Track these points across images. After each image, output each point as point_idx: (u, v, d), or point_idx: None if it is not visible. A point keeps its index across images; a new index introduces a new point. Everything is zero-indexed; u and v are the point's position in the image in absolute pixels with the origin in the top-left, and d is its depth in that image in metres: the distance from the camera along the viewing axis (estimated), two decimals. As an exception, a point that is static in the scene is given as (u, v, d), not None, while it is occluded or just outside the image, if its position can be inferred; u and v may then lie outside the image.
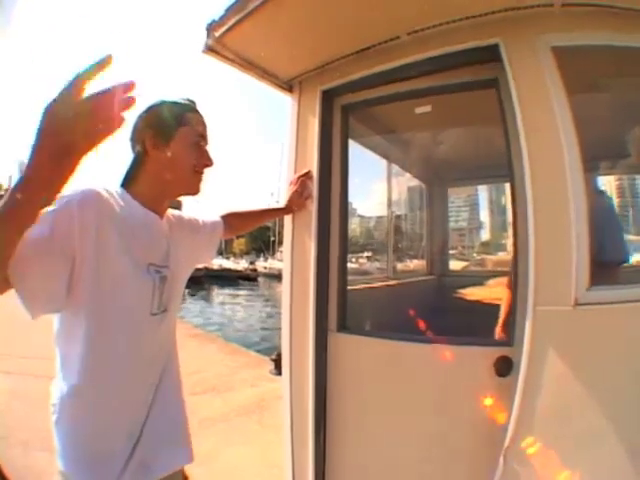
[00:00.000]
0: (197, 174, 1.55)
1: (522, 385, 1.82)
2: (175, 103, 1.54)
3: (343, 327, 2.61)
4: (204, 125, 1.59)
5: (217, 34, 2.26)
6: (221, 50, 2.39)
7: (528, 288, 1.86)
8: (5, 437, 3.92)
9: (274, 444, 3.53)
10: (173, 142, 1.48)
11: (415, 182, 5.21)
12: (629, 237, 5.87)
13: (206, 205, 1.73)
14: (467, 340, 2.19)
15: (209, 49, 2.37)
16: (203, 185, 1.58)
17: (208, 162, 1.57)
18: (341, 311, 2.62)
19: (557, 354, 1.77)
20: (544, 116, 1.90)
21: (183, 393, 1.68)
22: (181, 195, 1.62)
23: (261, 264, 67.75)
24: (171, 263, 1.55)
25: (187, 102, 1.57)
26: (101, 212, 1.29)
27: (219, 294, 35.89)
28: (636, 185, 6.35)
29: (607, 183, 5.54)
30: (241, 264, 63.54)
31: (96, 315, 1.30)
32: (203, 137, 1.57)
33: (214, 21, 2.24)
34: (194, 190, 1.58)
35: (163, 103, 1.52)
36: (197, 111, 1.58)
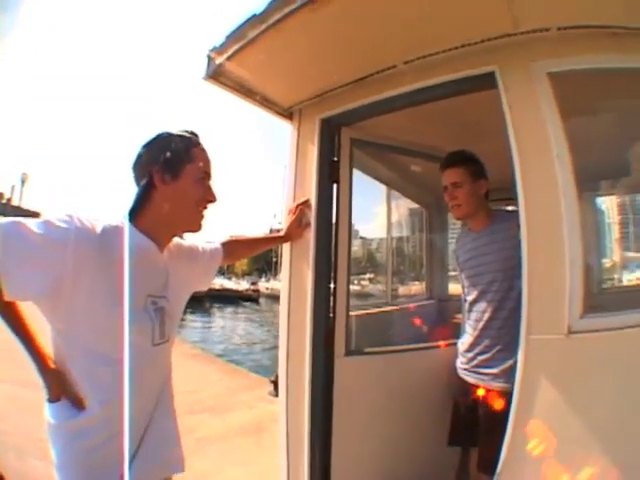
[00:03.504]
0: (200, 211, 1.61)
1: (515, 414, 1.83)
2: (181, 137, 1.57)
3: (349, 352, 2.71)
4: (209, 161, 1.62)
5: (217, 62, 2.30)
6: (221, 78, 2.44)
7: (521, 316, 1.88)
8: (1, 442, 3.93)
9: (271, 465, 3.51)
10: (179, 178, 1.52)
11: (416, 206, 5.22)
12: (629, 254, 5.91)
13: (210, 230, 1.76)
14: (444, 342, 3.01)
15: (210, 77, 2.41)
16: (204, 221, 1.64)
17: (212, 198, 1.61)
18: (348, 337, 2.72)
19: (550, 383, 1.77)
20: (538, 143, 1.92)
21: (175, 410, 1.70)
22: (183, 231, 1.69)
23: (263, 284, 67.59)
24: (169, 293, 1.60)
25: (192, 136, 1.61)
26: (98, 246, 1.33)
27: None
28: (636, 202, 6.38)
29: (608, 200, 5.60)
30: (242, 284, 63.31)
31: (95, 348, 1.37)
32: (208, 173, 1.61)
33: (214, 48, 2.28)
34: (196, 226, 1.63)
35: (169, 137, 1.56)
36: (202, 146, 1.62)
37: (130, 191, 1.56)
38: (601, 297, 4.58)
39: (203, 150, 1.61)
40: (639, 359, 1.71)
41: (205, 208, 1.62)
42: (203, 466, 3.76)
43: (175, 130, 1.60)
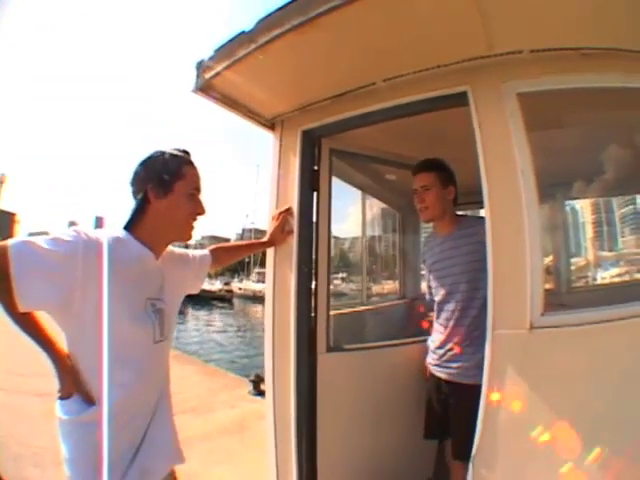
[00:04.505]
0: (190, 222, 1.81)
1: (484, 401, 2.02)
2: (173, 156, 1.75)
3: (330, 348, 2.87)
4: (198, 177, 1.81)
5: (207, 76, 2.42)
6: (209, 91, 2.56)
7: (487, 313, 2.06)
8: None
9: (256, 462, 3.61)
10: (171, 193, 1.70)
11: (389, 209, 5.38)
12: (603, 254, 6.10)
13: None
14: (418, 338, 3.14)
15: (198, 89, 2.52)
16: (194, 232, 1.85)
17: (201, 211, 1.81)
18: (328, 335, 2.88)
19: (515, 373, 1.96)
20: (505, 159, 2.08)
21: (172, 406, 1.88)
22: (174, 241, 1.88)
23: (236, 285, 66.77)
24: (165, 296, 1.79)
25: (183, 155, 1.78)
26: (102, 262, 1.48)
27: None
28: (605, 205, 6.62)
29: (579, 204, 5.80)
30: (216, 285, 62.45)
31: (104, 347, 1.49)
32: (197, 189, 1.79)
33: (203, 62, 2.39)
34: (187, 237, 1.83)
35: (163, 155, 1.73)
36: (192, 163, 1.80)
37: (124, 201, 1.81)
38: (569, 296, 4.77)
39: (193, 167, 1.80)
40: (596, 352, 1.91)
41: (195, 220, 1.82)
42: (190, 466, 3.78)
43: (168, 148, 1.77)
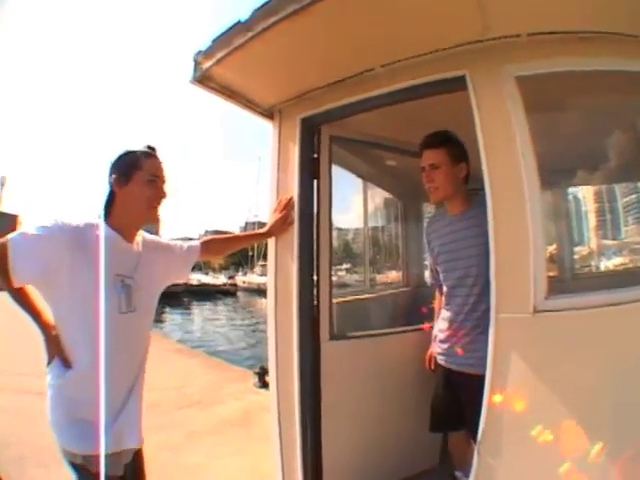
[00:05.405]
0: (153, 206, 1.99)
1: (489, 386, 2.02)
2: (134, 152, 1.97)
3: (333, 336, 2.88)
4: (157, 166, 2.00)
5: (204, 67, 2.43)
6: (207, 82, 2.57)
7: (491, 297, 2.06)
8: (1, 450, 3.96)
9: (263, 455, 3.59)
10: (131, 182, 1.93)
11: (391, 196, 5.36)
12: (606, 242, 6.10)
13: (190, 225, 2.07)
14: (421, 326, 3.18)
15: (196, 80, 2.53)
16: (159, 214, 2.04)
17: (161, 195, 2.00)
18: (331, 323, 2.89)
19: (519, 357, 1.96)
20: (505, 143, 2.07)
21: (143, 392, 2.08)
22: (143, 223, 2.08)
23: (240, 278, 66.81)
24: (137, 275, 1.98)
25: (144, 149, 1.99)
26: (75, 238, 1.77)
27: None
28: (612, 191, 6.59)
29: (583, 191, 5.79)
30: (220, 279, 62.47)
31: (75, 311, 1.77)
32: (157, 176, 1.99)
33: (201, 53, 2.40)
34: (152, 219, 2.04)
35: (126, 152, 1.97)
36: (153, 155, 2.00)
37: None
38: (573, 282, 4.79)
39: (152, 158, 2.00)
40: (600, 336, 1.92)
41: (158, 203, 2.00)
42: (195, 459, 3.90)
43: (135, 146, 2.00)
